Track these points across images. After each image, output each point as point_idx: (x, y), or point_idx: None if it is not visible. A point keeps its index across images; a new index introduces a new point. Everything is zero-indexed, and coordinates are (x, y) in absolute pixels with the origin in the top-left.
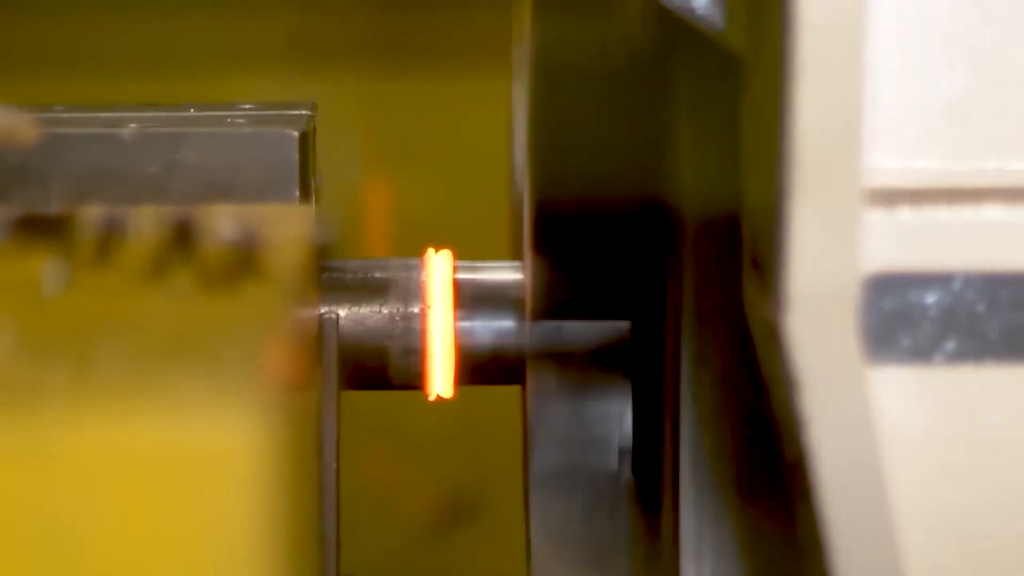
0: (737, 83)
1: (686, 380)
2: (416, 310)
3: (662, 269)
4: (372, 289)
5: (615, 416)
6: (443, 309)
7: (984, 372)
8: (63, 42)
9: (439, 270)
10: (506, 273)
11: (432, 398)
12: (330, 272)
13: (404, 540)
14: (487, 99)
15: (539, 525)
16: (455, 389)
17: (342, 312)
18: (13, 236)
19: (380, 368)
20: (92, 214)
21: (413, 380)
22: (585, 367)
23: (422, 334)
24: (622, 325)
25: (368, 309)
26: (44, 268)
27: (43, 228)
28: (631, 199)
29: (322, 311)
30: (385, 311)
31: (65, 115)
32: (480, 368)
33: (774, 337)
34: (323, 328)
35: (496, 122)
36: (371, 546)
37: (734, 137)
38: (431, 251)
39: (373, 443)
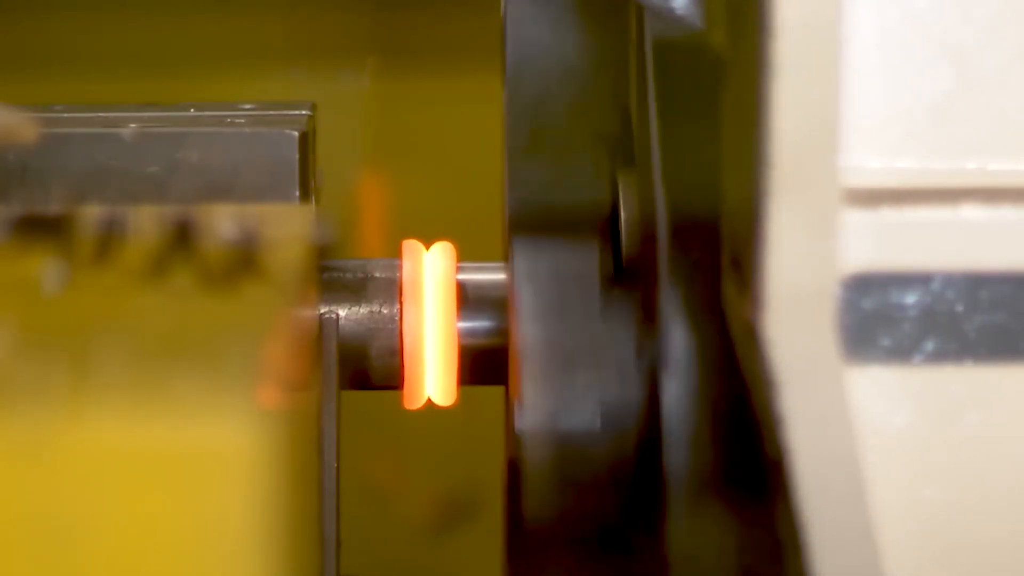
0: (716, 82)
1: (668, 379)
2: None
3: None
4: (373, 289)
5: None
6: (436, 307)
7: (963, 372)
8: (63, 42)
9: (430, 266)
10: (497, 273)
11: (415, 402)
12: (330, 272)
13: (404, 540)
14: (491, 97)
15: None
16: (452, 389)
17: (342, 312)
18: (13, 236)
19: (380, 368)
20: (92, 214)
21: None
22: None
23: (399, 333)
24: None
25: (368, 309)
26: (44, 268)
27: (43, 228)
28: (608, 199)
29: (322, 311)
30: (385, 311)
31: (65, 115)
32: (474, 367)
33: (753, 337)
34: (323, 328)
35: (498, 121)
36: (371, 546)
37: (714, 136)
38: (411, 243)
39: (373, 443)
